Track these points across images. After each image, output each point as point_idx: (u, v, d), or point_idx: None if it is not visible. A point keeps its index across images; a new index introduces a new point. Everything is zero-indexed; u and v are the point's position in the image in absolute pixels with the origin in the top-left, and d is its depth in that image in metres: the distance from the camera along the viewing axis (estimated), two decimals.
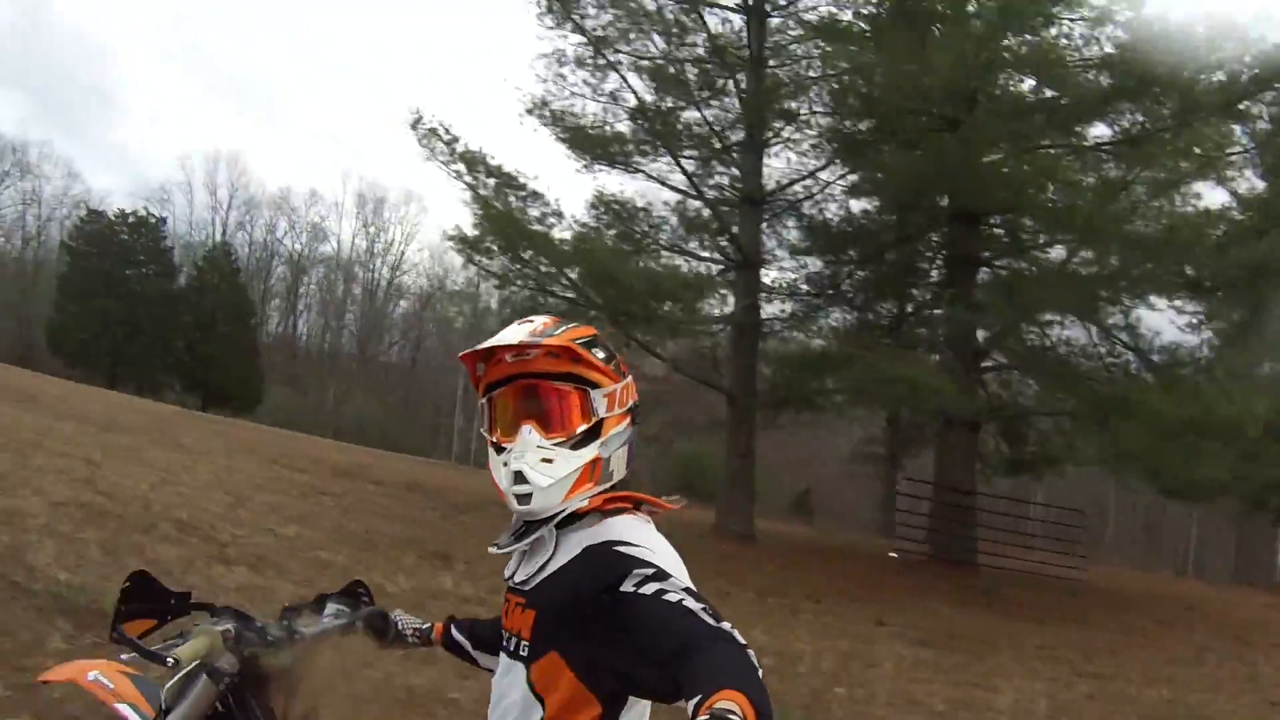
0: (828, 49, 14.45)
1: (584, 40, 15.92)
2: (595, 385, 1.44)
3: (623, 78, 16.27)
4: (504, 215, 15.03)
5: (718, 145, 16.51)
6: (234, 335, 45.86)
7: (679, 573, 1.29)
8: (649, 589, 1.20)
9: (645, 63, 16.25)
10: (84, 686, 1.79)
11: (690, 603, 1.17)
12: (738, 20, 15.95)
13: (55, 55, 64.96)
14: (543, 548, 1.43)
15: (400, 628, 1.92)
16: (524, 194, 15.65)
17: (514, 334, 1.44)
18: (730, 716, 0.89)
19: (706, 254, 17.25)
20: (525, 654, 1.41)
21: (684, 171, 16.59)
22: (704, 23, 15.78)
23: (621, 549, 1.32)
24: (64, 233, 51.44)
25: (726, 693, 0.94)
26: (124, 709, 1.72)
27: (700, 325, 16.63)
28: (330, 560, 8.06)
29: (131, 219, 48.54)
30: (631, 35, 15.94)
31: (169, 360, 46.01)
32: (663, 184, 16.92)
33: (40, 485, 7.77)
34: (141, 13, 72.79)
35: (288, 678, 1.65)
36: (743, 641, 1.10)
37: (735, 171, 16.77)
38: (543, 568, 1.42)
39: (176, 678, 1.67)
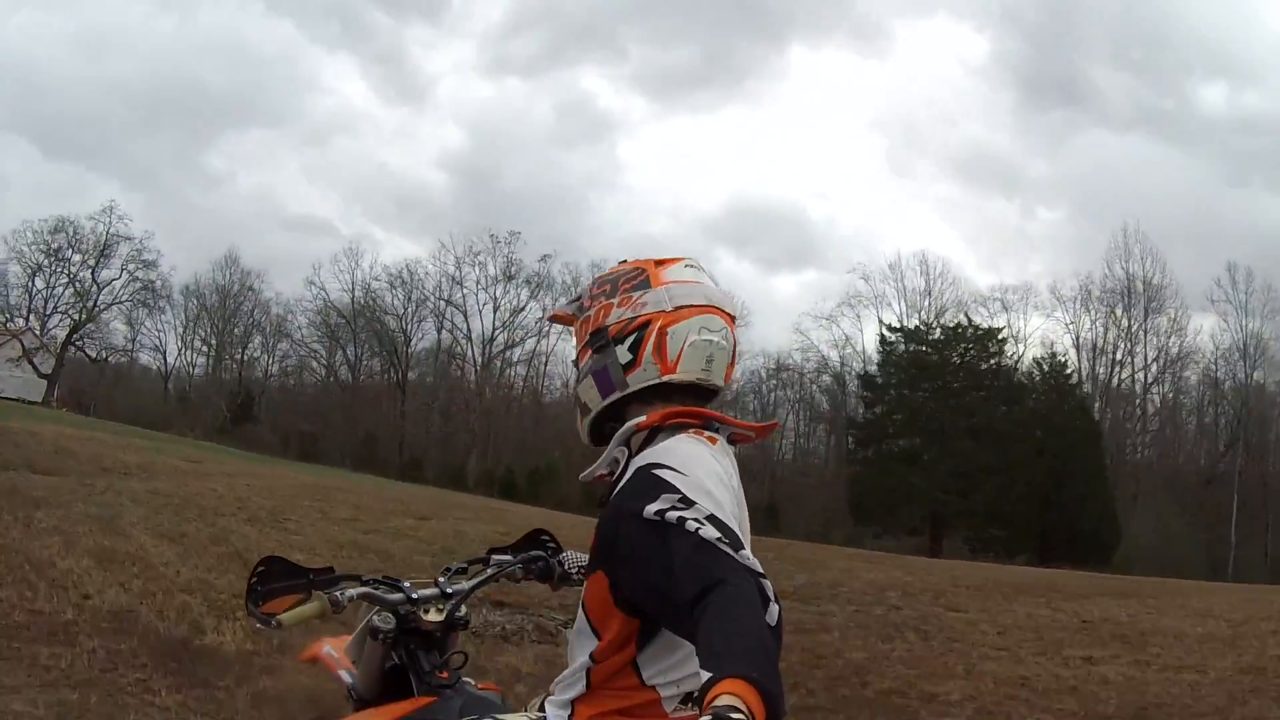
0: None
1: None
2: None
3: None
4: None
5: None
6: (1079, 467, 34.61)
7: (708, 495, 1.27)
8: (671, 516, 1.20)
9: None
10: (320, 659, 2.04)
11: (708, 533, 1.15)
12: None
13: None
14: (620, 470, 1.47)
15: (566, 567, 1.92)
16: None
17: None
18: (732, 716, 0.88)
19: None
20: (586, 570, 1.49)
21: None
22: None
23: (656, 471, 1.31)
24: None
25: (728, 683, 0.92)
26: (343, 674, 1.93)
27: None
28: None
29: (968, 332, 38.88)
30: None
31: (1002, 506, 34.78)
32: None
33: None
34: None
35: (439, 631, 1.77)
36: (759, 570, 1.10)
37: None
38: (612, 488, 1.45)
39: (354, 636, 1.88)
